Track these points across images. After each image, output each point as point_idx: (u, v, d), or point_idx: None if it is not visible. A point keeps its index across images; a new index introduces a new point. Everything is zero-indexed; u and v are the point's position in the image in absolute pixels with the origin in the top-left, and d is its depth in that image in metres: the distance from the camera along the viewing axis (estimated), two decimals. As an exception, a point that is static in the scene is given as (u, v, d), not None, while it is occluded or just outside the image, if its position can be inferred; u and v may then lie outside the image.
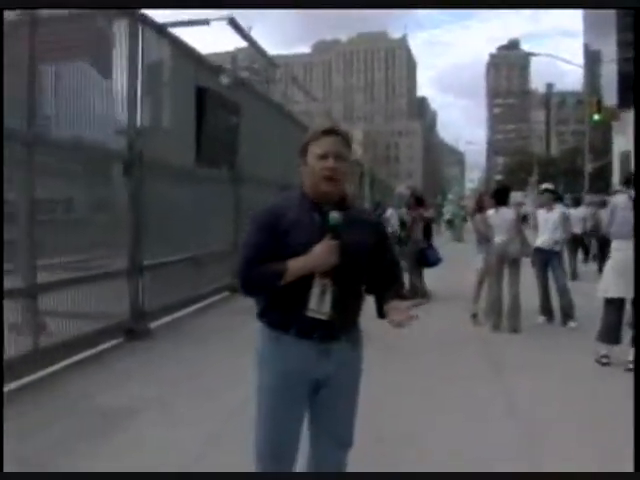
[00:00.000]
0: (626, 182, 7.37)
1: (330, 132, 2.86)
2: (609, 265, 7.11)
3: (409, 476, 3.82)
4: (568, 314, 9.15)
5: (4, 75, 5.63)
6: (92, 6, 7.26)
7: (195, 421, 5.09)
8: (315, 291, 2.73)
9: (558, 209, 9.73)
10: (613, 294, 6.94)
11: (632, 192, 6.94)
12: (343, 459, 2.98)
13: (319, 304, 2.73)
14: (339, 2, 10.43)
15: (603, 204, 15.36)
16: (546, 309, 9.50)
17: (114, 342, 7.84)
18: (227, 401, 5.55)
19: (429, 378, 6.43)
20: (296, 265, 2.71)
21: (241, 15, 13.93)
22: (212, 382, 6.20)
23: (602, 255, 13.69)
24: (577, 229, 14.58)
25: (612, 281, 6.95)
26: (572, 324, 9.07)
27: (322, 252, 2.71)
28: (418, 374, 6.57)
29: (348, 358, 2.88)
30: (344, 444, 2.95)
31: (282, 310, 2.79)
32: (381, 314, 2.90)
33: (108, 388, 6.01)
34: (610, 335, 6.94)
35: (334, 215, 2.75)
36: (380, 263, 2.95)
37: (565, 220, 9.56)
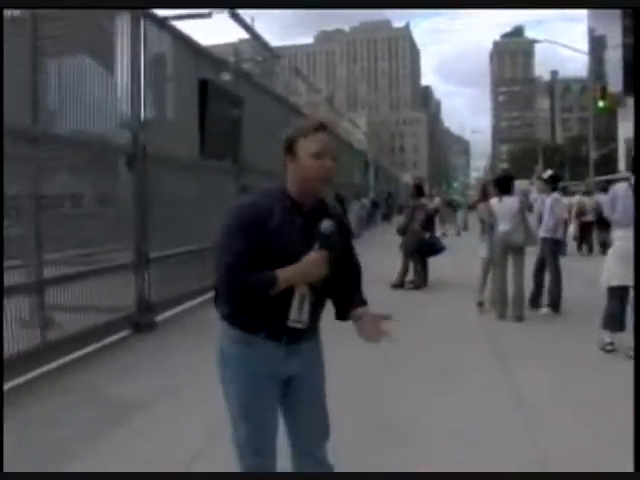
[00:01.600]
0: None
1: (324, 128, 2.66)
2: (611, 253, 7.15)
3: (409, 476, 3.84)
4: (556, 303, 9.23)
5: (6, 72, 5.67)
6: (92, 6, 7.28)
7: (204, 411, 5.13)
8: (296, 301, 2.61)
9: (553, 196, 9.70)
10: (616, 282, 6.97)
11: (632, 179, 6.92)
12: (325, 451, 2.91)
13: (299, 314, 2.62)
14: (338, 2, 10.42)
15: (604, 189, 15.36)
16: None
17: (121, 335, 7.90)
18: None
19: (436, 365, 6.46)
20: (286, 275, 2.56)
21: (244, 6, 13.92)
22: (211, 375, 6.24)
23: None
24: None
25: (614, 270, 6.98)
26: (544, 310, 9.21)
27: (313, 264, 2.59)
28: (426, 362, 6.61)
29: (314, 354, 2.85)
30: (324, 436, 2.90)
31: (254, 315, 2.65)
32: (342, 317, 2.86)
33: (116, 381, 6.07)
34: (614, 322, 6.97)
35: (327, 225, 2.61)
36: (346, 266, 2.90)
37: (555, 205, 9.51)
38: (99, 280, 7.61)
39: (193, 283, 10.02)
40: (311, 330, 2.75)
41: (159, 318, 8.81)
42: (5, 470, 3.32)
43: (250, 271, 2.54)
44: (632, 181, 6.88)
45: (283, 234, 2.58)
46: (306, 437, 2.86)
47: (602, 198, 19.16)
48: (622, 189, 7.01)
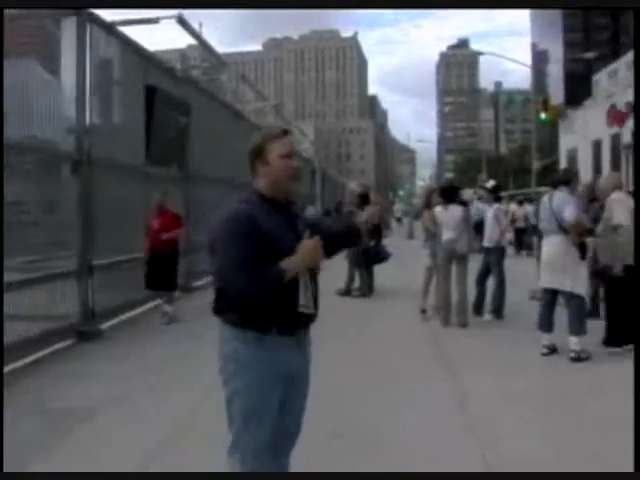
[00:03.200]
0: (559, 182, 7.55)
1: (288, 133, 2.95)
2: (541, 259, 7.61)
3: (407, 476, 3.88)
4: (499, 310, 9.46)
5: None
6: (93, 6, 7.19)
7: (150, 419, 5.11)
8: (302, 288, 2.81)
9: (496, 206, 9.96)
10: (543, 285, 7.52)
11: (554, 192, 7.36)
12: (293, 447, 3.06)
13: (306, 300, 2.82)
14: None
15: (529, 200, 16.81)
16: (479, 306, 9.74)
17: (65, 343, 7.78)
18: (180, 400, 5.58)
19: (380, 373, 6.52)
20: (292, 265, 2.74)
21: (191, 12, 13.87)
22: (164, 380, 6.21)
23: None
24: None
25: (542, 274, 7.51)
26: (486, 317, 9.46)
27: (312, 250, 2.80)
28: (369, 369, 6.67)
29: (309, 348, 3.02)
30: (299, 432, 3.05)
31: (263, 310, 2.77)
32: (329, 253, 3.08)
33: (60, 389, 5.98)
34: (543, 323, 7.36)
35: (312, 211, 2.74)
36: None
37: (499, 215, 9.79)
38: (42, 288, 7.49)
39: (138, 291, 9.92)
40: (313, 319, 2.95)
41: (104, 326, 8.70)
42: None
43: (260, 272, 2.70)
44: (553, 194, 7.34)
45: (278, 232, 2.78)
46: (287, 435, 2.99)
47: (528, 208, 21.04)
48: (545, 200, 7.53)
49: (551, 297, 7.35)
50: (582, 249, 7.12)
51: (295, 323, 2.84)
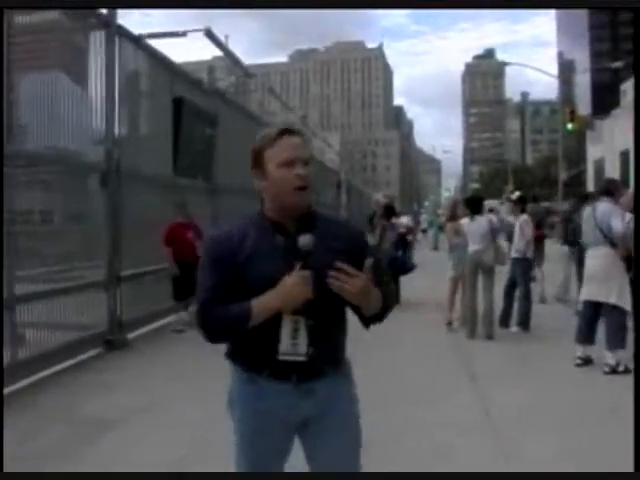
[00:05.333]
0: (601, 193, 7.51)
1: (289, 132, 2.36)
2: (585, 272, 7.43)
3: (409, 476, 3.87)
4: (525, 322, 9.36)
5: None
6: (93, 6, 7.29)
7: (178, 430, 5.13)
8: (285, 331, 2.30)
9: (522, 217, 9.89)
10: (583, 298, 7.35)
11: (597, 203, 7.28)
12: None
13: (292, 345, 2.30)
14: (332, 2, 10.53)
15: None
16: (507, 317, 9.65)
17: (92, 353, 7.86)
18: (209, 409, 5.60)
19: (404, 385, 6.50)
20: (263, 304, 2.26)
21: (219, 25, 14.01)
22: (191, 391, 6.24)
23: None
24: None
25: (584, 287, 7.37)
26: (513, 329, 9.36)
27: (293, 286, 2.24)
28: (396, 380, 6.64)
29: (335, 394, 2.42)
30: None
31: (251, 352, 2.37)
32: (367, 323, 2.46)
33: (88, 399, 6.02)
34: (582, 336, 7.21)
35: (304, 239, 2.26)
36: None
37: (525, 226, 9.68)
38: (71, 297, 7.57)
39: (165, 301, 9.99)
40: (330, 363, 2.40)
41: (131, 336, 8.77)
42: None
43: (226, 304, 2.30)
44: (595, 205, 7.26)
45: (257, 260, 2.30)
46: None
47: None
48: (587, 213, 7.41)
49: (593, 310, 7.20)
50: (628, 262, 6.99)
51: (289, 368, 2.32)
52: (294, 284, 2.24)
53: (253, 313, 2.25)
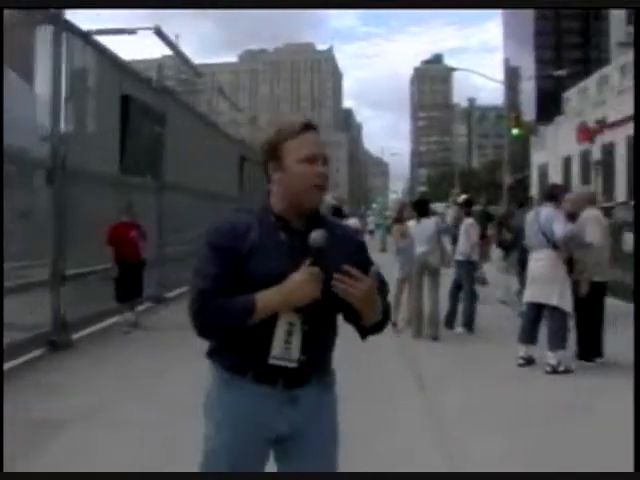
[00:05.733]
0: (545, 198, 7.78)
1: (312, 127, 2.25)
2: (528, 274, 7.61)
3: (409, 476, 3.90)
4: (470, 323, 9.53)
5: None
6: (94, 6, 7.17)
7: (128, 430, 5.08)
8: (280, 333, 2.16)
9: (467, 221, 10.09)
10: (527, 299, 7.56)
11: (541, 207, 7.59)
12: None
13: (285, 350, 2.16)
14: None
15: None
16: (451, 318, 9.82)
17: (36, 353, 7.71)
18: (157, 410, 5.57)
19: (349, 387, 6.54)
20: (268, 299, 2.12)
21: (169, 24, 13.91)
22: (138, 391, 6.19)
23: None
24: None
25: (528, 288, 7.57)
26: (458, 330, 9.50)
27: (302, 283, 2.11)
28: (339, 383, 6.67)
29: (319, 405, 2.31)
30: None
31: (240, 351, 2.20)
32: (365, 333, 2.36)
33: (34, 400, 5.91)
34: (525, 336, 7.39)
35: (317, 235, 2.13)
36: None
37: (470, 229, 9.87)
38: (14, 297, 7.42)
39: (111, 301, 9.87)
40: (317, 371, 2.28)
41: (76, 336, 8.64)
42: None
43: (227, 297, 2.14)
44: (539, 210, 7.55)
45: (261, 255, 2.15)
46: None
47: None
48: (531, 216, 7.64)
49: (536, 312, 7.40)
50: (570, 265, 7.18)
51: (276, 372, 2.17)
52: (303, 281, 2.11)
53: (257, 307, 2.10)
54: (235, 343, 2.19)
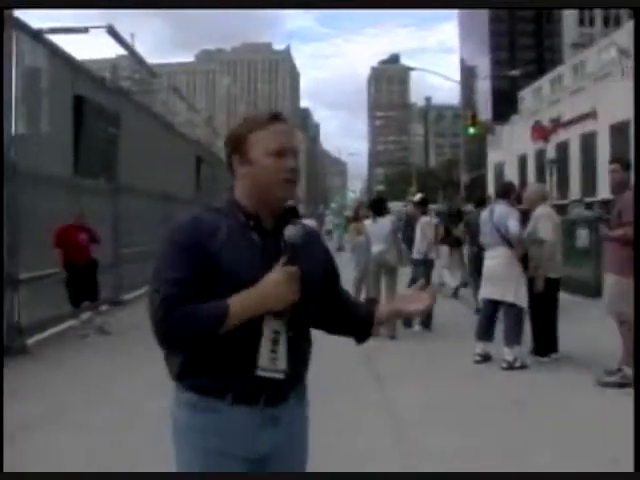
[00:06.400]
0: (498, 196, 7.90)
1: (280, 118, 2.07)
2: (484, 271, 7.69)
3: (409, 476, 3.90)
4: (427, 321, 9.53)
5: None
6: (95, 6, 7.01)
7: (89, 433, 5.03)
8: (266, 341, 1.94)
9: (423, 219, 10.18)
10: (483, 296, 7.68)
11: (494, 205, 7.71)
12: None
13: (272, 359, 1.95)
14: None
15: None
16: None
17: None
18: (116, 413, 5.51)
19: (309, 386, 6.54)
20: (242, 303, 1.90)
21: (123, 23, 13.74)
22: (93, 396, 6.11)
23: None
24: None
25: (484, 285, 7.64)
26: (416, 328, 9.53)
27: (278, 283, 1.91)
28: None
29: (297, 419, 2.16)
30: None
31: (213, 370, 1.96)
32: (362, 337, 2.33)
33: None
34: (482, 332, 7.47)
35: (293, 231, 1.98)
36: (336, 296, 2.31)
37: (426, 227, 9.96)
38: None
39: (67, 305, 9.72)
40: (298, 383, 2.15)
41: (31, 341, 8.49)
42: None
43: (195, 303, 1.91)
44: (493, 207, 7.65)
45: (231, 256, 1.94)
46: None
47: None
48: (485, 215, 7.71)
49: (492, 308, 7.48)
50: (525, 262, 7.27)
51: (258, 389, 1.97)
52: (279, 281, 1.91)
53: (230, 312, 1.88)
54: (209, 360, 1.95)
